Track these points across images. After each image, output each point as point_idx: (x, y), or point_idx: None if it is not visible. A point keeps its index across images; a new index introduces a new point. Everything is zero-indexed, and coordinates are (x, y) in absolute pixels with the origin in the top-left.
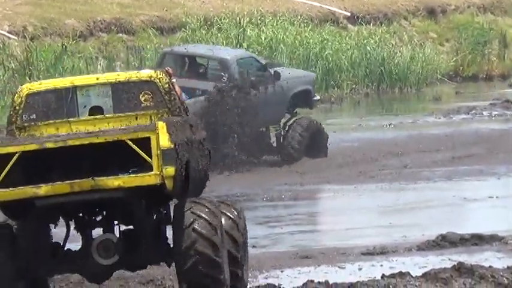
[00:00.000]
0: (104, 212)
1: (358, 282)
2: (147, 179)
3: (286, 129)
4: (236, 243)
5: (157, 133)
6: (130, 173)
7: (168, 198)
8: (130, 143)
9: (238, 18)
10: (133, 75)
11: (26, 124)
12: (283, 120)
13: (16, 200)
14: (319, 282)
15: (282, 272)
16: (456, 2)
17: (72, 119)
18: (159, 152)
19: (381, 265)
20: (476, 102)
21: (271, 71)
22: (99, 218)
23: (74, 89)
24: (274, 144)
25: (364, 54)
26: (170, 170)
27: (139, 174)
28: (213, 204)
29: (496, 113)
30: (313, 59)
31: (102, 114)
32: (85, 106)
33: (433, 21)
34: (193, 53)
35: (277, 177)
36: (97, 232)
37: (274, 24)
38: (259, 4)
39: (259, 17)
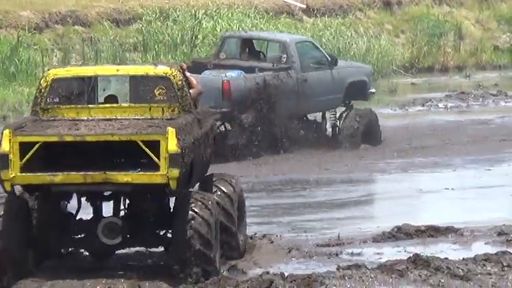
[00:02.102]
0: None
1: (313, 273)
2: (154, 178)
3: (343, 119)
4: (230, 216)
5: (167, 138)
6: (139, 171)
7: (171, 194)
8: (141, 144)
9: (193, 10)
10: (150, 70)
11: (49, 106)
12: (338, 111)
13: (34, 184)
14: (274, 274)
15: (235, 263)
16: None
17: (91, 105)
18: (167, 155)
19: (337, 257)
20: (431, 94)
21: (328, 57)
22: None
23: (96, 78)
24: (330, 134)
25: (320, 46)
26: (175, 172)
27: (147, 173)
28: (209, 199)
29: (451, 104)
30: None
31: (117, 102)
32: (104, 90)
33: (388, 13)
34: (253, 36)
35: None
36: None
37: (230, 16)
38: None
39: (214, 9)
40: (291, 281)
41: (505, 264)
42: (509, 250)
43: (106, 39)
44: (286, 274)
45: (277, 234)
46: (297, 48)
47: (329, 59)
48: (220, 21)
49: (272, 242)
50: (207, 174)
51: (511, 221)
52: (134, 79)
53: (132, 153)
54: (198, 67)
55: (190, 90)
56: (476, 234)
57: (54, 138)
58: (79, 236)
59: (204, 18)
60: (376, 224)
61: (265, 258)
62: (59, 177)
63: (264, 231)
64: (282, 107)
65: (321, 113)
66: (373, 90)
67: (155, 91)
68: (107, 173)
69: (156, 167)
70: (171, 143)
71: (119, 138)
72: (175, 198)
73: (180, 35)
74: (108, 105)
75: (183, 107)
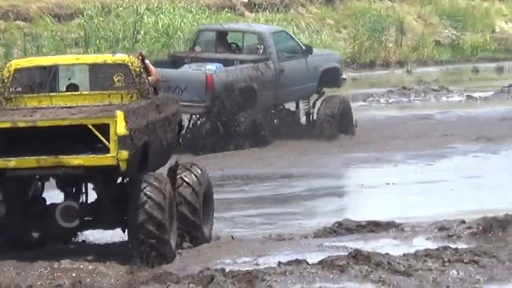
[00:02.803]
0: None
1: (254, 269)
2: (104, 159)
3: (318, 106)
4: (194, 209)
5: (116, 121)
6: (89, 154)
7: (123, 175)
8: (91, 127)
9: (135, 6)
10: (108, 58)
11: (12, 96)
12: (311, 99)
13: None
14: (215, 270)
15: (177, 259)
16: None
17: (53, 94)
18: (116, 137)
19: (278, 252)
20: (373, 89)
21: (303, 46)
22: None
23: (57, 67)
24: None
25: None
26: (124, 154)
27: (97, 156)
28: (162, 182)
29: (393, 100)
30: None
31: (77, 91)
32: (69, 79)
33: (330, 8)
34: (228, 28)
35: None
36: None
37: (172, 11)
38: None
39: (156, 4)
40: (232, 277)
41: (445, 259)
42: (450, 245)
43: (48, 34)
44: (227, 270)
45: (219, 230)
46: (273, 38)
47: (303, 47)
48: (162, 16)
49: (212, 238)
50: (177, 163)
51: (452, 216)
52: (93, 67)
53: (88, 139)
54: (176, 61)
55: (149, 77)
56: (417, 230)
57: (7, 124)
58: (37, 220)
59: (146, 13)
60: (317, 220)
61: (206, 254)
62: (12, 162)
63: None
64: (262, 98)
65: (294, 102)
66: (344, 76)
67: (114, 78)
68: (59, 156)
69: (107, 150)
70: (120, 126)
71: (69, 122)
72: (130, 182)
73: (121, 30)
74: (68, 93)
75: (141, 93)
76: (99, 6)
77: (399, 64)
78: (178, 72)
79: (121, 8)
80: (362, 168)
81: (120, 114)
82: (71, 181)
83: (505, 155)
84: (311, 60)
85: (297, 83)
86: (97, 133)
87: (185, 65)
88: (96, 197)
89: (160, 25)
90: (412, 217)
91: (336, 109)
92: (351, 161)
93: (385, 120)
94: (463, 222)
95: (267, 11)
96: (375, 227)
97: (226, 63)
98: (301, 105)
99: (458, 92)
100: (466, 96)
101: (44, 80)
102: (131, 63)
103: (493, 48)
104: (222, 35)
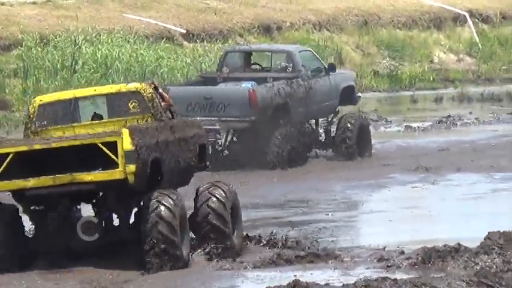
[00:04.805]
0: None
1: None
2: (113, 174)
3: (338, 123)
4: (223, 220)
5: (122, 138)
6: (100, 170)
7: (135, 190)
8: (101, 145)
9: (73, 36)
10: (123, 87)
11: (38, 129)
12: (329, 117)
13: (10, 190)
14: None
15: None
16: (291, 19)
17: (75, 124)
18: (123, 153)
19: (216, 284)
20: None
21: (325, 64)
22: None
23: (77, 99)
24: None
25: (200, 72)
26: (131, 167)
27: (107, 171)
28: (176, 195)
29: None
30: (149, 77)
31: (102, 119)
32: (95, 112)
33: (268, 38)
34: (256, 49)
35: None
36: None
37: (110, 42)
38: (95, 22)
39: (94, 35)
40: None
41: None
42: (389, 276)
43: None
44: None
45: None
46: (300, 56)
47: (326, 66)
48: (100, 46)
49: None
50: (206, 184)
51: (391, 247)
52: (109, 97)
53: (102, 159)
54: (207, 81)
55: (163, 103)
56: (356, 260)
57: (24, 148)
58: (58, 236)
59: (84, 44)
60: (256, 251)
61: (142, 287)
62: (31, 181)
63: None
64: (295, 114)
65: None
66: (359, 94)
67: (129, 105)
68: (73, 174)
69: (116, 165)
70: (126, 142)
71: (81, 142)
72: (144, 196)
73: (60, 60)
74: (88, 122)
75: (155, 117)
76: (38, 37)
77: None
78: (221, 89)
79: (59, 39)
80: (300, 201)
81: (125, 132)
82: (92, 198)
83: (444, 185)
84: (333, 78)
85: (324, 100)
86: (106, 150)
87: (221, 84)
88: (111, 211)
89: (98, 55)
90: (351, 247)
91: (353, 126)
92: (290, 192)
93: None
94: (402, 252)
95: (205, 41)
96: (314, 258)
97: (259, 81)
98: (320, 123)
99: (396, 122)
100: (405, 126)
101: (66, 112)
102: (143, 90)
103: (431, 78)
104: (248, 55)
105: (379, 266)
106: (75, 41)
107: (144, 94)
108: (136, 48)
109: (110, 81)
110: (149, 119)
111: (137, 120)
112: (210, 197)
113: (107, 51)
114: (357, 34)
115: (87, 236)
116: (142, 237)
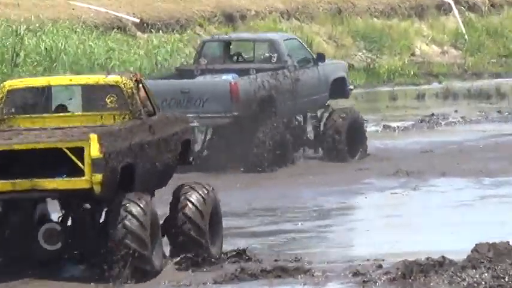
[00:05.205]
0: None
1: None
2: (78, 183)
3: (326, 119)
4: (198, 228)
5: (90, 144)
6: (65, 177)
7: (100, 199)
8: (66, 150)
9: (14, 26)
10: (101, 79)
11: (5, 117)
12: (318, 112)
13: None
14: None
15: None
16: (256, 7)
17: (46, 114)
18: (89, 160)
19: None
20: None
21: (313, 53)
22: None
23: (50, 88)
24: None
25: (155, 65)
26: (98, 177)
27: (72, 179)
28: (145, 201)
29: None
30: (99, 71)
31: (66, 111)
32: (71, 99)
33: (231, 28)
34: (237, 38)
35: None
36: None
37: (55, 32)
38: (38, 10)
39: (37, 24)
40: None
41: None
42: None
43: None
44: None
45: None
46: (285, 45)
47: (314, 56)
48: (44, 37)
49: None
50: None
51: (368, 260)
52: (86, 88)
53: (70, 161)
54: (183, 74)
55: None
56: (329, 275)
57: None
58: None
59: (27, 34)
60: (218, 264)
61: None
62: None
63: None
64: (280, 108)
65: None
66: (351, 87)
67: (106, 99)
68: (34, 180)
69: (82, 173)
70: (94, 149)
71: (44, 146)
72: (109, 204)
73: (0, 52)
74: (62, 114)
75: (133, 115)
76: None
77: None
78: (199, 82)
79: None
80: (266, 209)
81: (93, 137)
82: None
83: (426, 192)
84: (321, 69)
85: (312, 93)
86: (72, 156)
87: (198, 77)
88: (75, 219)
89: (42, 47)
90: (323, 261)
91: (344, 122)
92: (255, 199)
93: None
94: (380, 266)
95: (161, 31)
96: (281, 272)
97: (241, 74)
98: (309, 118)
99: (374, 122)
100: (383, 126)
101: (37, 100)
102: (124, 84)
103: (412, 72)
104: (227, 45)
105: (354, 282)
106: (16, 31)
107: (124, 89)
108: (85, 39)
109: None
110: (126, 117)
111: (114, 117)
112: (187, 204)
113: (51, 42)
114: (330, 23)
115: (49, 245)
116: (109, 250)
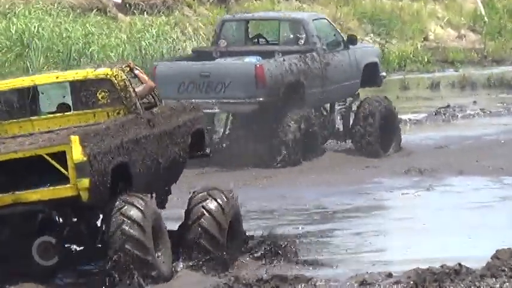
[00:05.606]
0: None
1: None
2: (64, 191)
3: (357, 109)
4: (214, 238)
5: (71, 147)
6: (48, 186)
7: (93, 205)
8: (47, 157)
9: None
10: (90, 73)
11: None
12: (348, 101)
13: None
14: None
15: None
16: None
17: (34, 117)
18: (72, 165)
19: None
20: None
21: (343, 35)
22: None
23: (35, 87)
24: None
25: (139, 51)
26: (84, 182)
27: (56, 187)
28: (144, 202)
29: None
30: (76, 57)
31: (70, 110)
32: (64, 96)
33: (223, 10)
34: (260, 17)
35: None
36: None
37: (27, 14)
38: None
39: (7, 5)
40: None
41: None
42: None
43: None
44: None
45: None
46: (314, 25)
47: (344, 38)
48: (15, 20)
49: None
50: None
51: (376, 268)
52: (74, 85)
53: (48, 172)
54: (201, 57)
55: (140, 88)
56: (332, 285)
57: None
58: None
59: None
60: (210, 274)
61: None
62: None
63: None
64: (309, 95)
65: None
66: (384, 74)
67: (98, 95)
68: (16, 192)
69: (67, 180)
70: (76, 151)
71: (23, 155)
72: (104, 209)
73: None
74: (50, 115)
75: (128, 109)
76: None
77: None
78: (221, 64)
79: None
80: (263, 211)
81: (75, 139)
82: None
83: (441, 192)
84: (352, 52)
85: (343, 79)
86: (54, 162)
87: (218, 60)
88: (71, 230)
89: (13, 31)
90: (326, 269)
91: (376, 115)
92: (251, 200)
93: None
94: (390, 275)
95: (145, 13)
96: (280, 282)
97: (265, 56)
98: (337, 107)
99: None
100: None
101: (23, 103)
102: (114, 76)
103: (425, 59)
104: (248, 25)
105: None
106: None
107: (116, 82)
108: (60, 22)
109: (28, 63)
110: (121, 112)
111: (107, 113)
112: (204, 214)
113: (23, 25)
114: (334, 4)
115: (45, 260)
116: (109, 260)
